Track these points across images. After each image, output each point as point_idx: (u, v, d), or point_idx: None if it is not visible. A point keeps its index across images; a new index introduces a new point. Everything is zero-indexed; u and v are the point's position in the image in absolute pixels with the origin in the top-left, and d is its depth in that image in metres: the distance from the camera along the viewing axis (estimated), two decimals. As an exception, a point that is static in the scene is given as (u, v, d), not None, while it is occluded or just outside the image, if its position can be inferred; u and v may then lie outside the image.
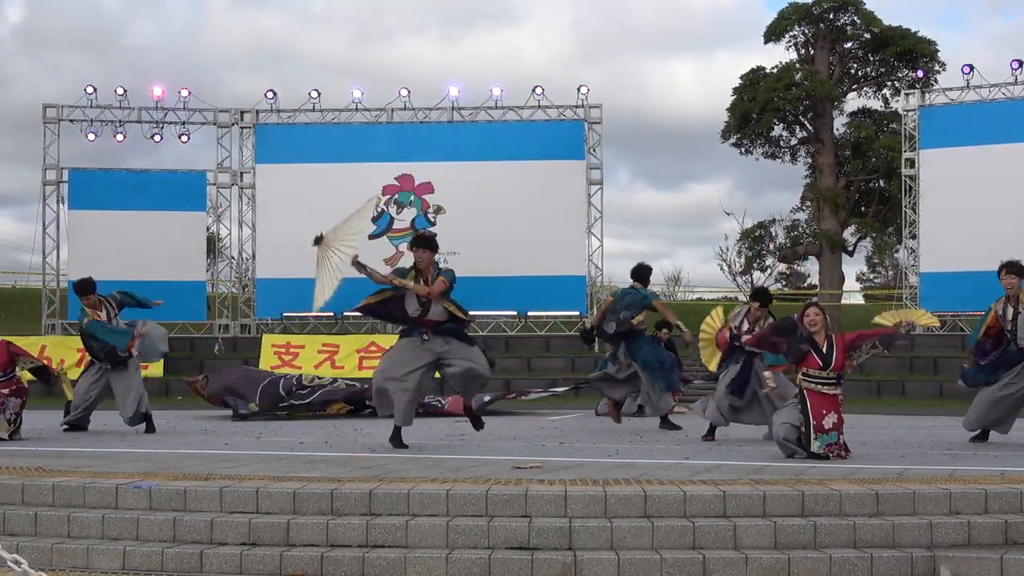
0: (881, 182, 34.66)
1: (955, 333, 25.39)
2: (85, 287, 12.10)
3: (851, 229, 36.02)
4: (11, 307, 30.27)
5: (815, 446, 8.44)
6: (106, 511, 6.53)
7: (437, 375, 10.35)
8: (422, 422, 14.00)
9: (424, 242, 9.69)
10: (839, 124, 35.78)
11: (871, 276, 60.50)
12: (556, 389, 20.40)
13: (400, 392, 9.45)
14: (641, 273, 12.90)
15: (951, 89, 26.43)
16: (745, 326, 11.36)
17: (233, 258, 29.63)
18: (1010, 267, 10.28)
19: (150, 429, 12.07)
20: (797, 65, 34.59)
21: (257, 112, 27.54)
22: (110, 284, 12.68)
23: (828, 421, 8.49)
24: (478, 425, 10.48)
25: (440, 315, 9.65)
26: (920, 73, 29.36)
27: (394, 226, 27.03)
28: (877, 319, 9.62)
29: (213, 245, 31.01)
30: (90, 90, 26.98)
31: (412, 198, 27.12)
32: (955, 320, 25.71)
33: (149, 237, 26.28)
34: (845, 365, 8.65)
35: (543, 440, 10.95)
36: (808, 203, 36.56)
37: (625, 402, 16.91)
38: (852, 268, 62.47)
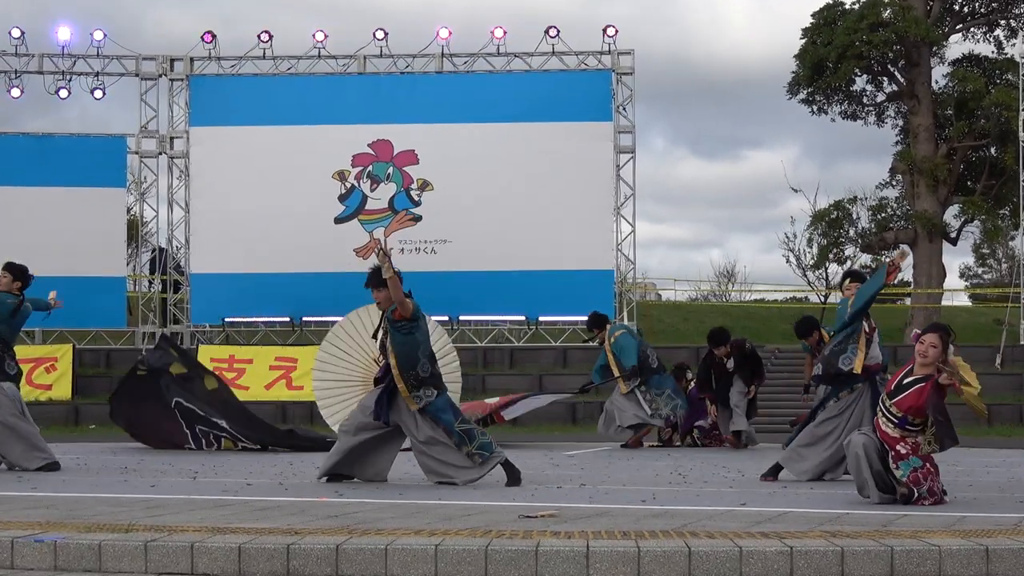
0: (993, 149, 34.62)
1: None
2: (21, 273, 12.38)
3: (954, 210, 36.00)
4: None
5: (897, 475, 8.50)
6: (-1, 571, 6.55)
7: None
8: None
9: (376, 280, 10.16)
10: (939, 75, 35.78)
11: (979, 270, 60.53)
12: (556, 396, 20.39)
13: None
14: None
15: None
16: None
17: (161, 247, 29.67)
18: None
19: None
20: (885, -1, 34.57)
21: (191, 60, 27.58)
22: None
23: (902, 447, 8.58)
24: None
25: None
26: (1044, 9, 29.32)
27: (367, 206, 27.07)
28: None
29: (135, 231, 31.08)
30: (-24, 32, 27.06)
31: (390, 170, 27.16)
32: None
33: (52, 220, 26.32)
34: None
35: (558, 480, 10.96)
36: (899, 176, 36.55)
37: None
38: (955, 260, 62.62)
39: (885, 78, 35.80)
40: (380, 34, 27.15)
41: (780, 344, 27.85)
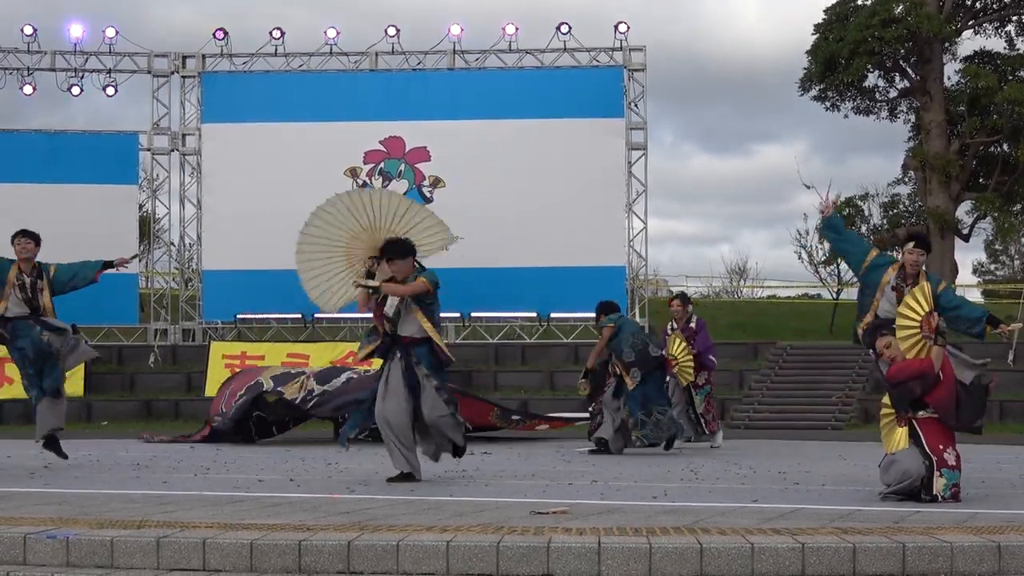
0: (1005, 145, 34.53)
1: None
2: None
3: (966, 206, 35.92)
4: None
5: (939, 486, 8.41)
6: (11, 568, 6.55)
7: None
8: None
9: (397, 250, 10.46)
10: (951, 71, 35.68)
11: (992, 267, 60.45)
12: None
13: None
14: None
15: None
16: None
17: (173, 244, 29.74)
18: None
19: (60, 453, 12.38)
20: (898, -5, 34.48)
21: (203, 57, 27.61)
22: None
23: (950, 455, 8.49)
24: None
25: (414, 331, 10.34)
26: (1056, 4, 29.25)
27: (379, 203, 27.04)
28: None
29: (147, 228, 31.12)
30: (-11, 29, 27.16)
31: (402, 167, 27.17)
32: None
33: (64, 217, 26.25)
34: None
35: (570, 477, 10.96)
36: (911, 172, 36.47)
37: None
38: (968, 256, 62.55)
39: (897, 74, 35.71)
40: (392, 31, 27.15)
41: (792, 341, 27.82)
